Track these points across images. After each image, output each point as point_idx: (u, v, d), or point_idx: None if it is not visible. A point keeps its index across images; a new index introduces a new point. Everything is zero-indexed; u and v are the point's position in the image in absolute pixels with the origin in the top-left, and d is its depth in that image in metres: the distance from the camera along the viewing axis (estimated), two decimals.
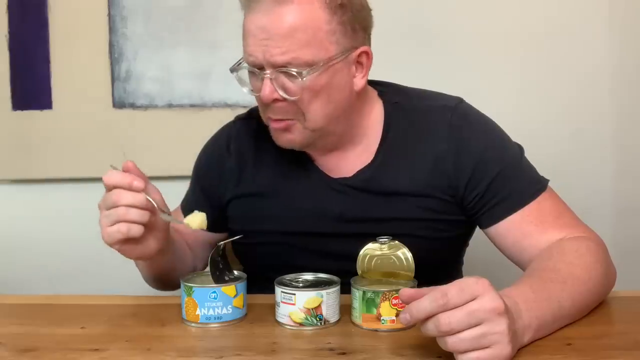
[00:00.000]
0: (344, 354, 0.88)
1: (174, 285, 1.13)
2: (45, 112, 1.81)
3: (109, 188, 0.96)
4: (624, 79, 1.82)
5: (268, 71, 1.04)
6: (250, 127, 1.25)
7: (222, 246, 1.03)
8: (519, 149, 1.17)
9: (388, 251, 1.02)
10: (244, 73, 1.11)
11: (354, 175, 1.16)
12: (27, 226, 1.88)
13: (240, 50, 1.09)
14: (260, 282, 1.08)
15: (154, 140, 1.82)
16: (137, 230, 0.96)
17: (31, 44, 1.79)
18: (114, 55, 1.81)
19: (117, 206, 0.95)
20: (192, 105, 1.82)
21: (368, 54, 1.10)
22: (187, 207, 1.27)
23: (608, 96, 1.83)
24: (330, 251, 1.15)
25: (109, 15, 1.80)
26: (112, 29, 1.80)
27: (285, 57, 1.03)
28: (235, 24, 1.79)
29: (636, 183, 1.84)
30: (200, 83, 1.81)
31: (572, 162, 1.80)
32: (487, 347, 0.79)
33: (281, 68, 1.04)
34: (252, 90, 1.11)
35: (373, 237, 1.03)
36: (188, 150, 1.81)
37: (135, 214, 0.95)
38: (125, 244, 0.98)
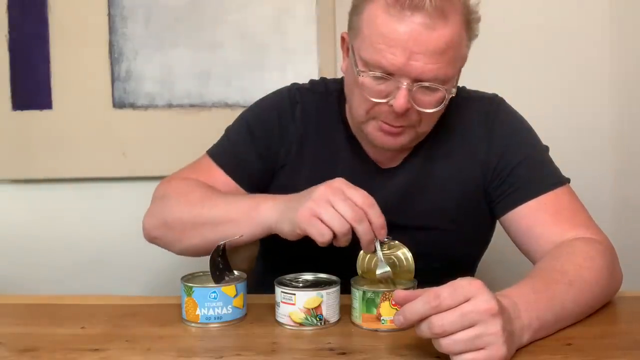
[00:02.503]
0: (344, 354, 0.88)
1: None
2: (45, 112, 1.81)
3: (358, 204, 0.96)
4: (624, 78, 1.82)
5: (405, 82, 1.03)
6: (314, 101, 1.24)
7: (222, 246, 1.03)
8: (545, 147, 1.20)
9: (388, 251, 1.02)
10: (366, 76, 1.07)
11: (400, 164, 1.19)
12: (27, 226, 1.88)
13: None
14: (282, 264, 1.08)
15: (154, 140, 1.82)
16: (328, 238, 0.95)
17: (31, 44, 1.79)
18: (114, 55, 1.80)
19: (348, 220, 0.94)
20: (192, 105, 1.82)
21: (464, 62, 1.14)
22: (235, 161, 1.22)
23: (608, 96, 1.83)
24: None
25: (109, 15, 1.79)
26: (112, 29, 1.80)
27: (436, 73, 1.03)
28: (236, 24, 1.81)
29: (636, 183, 1.84)
30: (200, 83, 1.81)
31: (572, 162, 1.80)
32: (481, 349, 0.79)
33: (424, 82, 1.04)
34: (367, 94, 1.07)
35: (412, 229, 1.06)
36: (188, 150, 1.81)
37: (346, 241, 0.96)
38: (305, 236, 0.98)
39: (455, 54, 1.05)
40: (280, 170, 1.22)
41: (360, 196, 0.97)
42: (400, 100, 1.03)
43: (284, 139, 1.21)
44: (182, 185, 1.18)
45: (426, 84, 1.04)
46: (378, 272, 0.97)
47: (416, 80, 1.04)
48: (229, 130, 1.28)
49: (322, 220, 0.95)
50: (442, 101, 1.07)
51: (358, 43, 1.07)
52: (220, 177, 1.21)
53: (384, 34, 1.02)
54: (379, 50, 1.03)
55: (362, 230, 0.95)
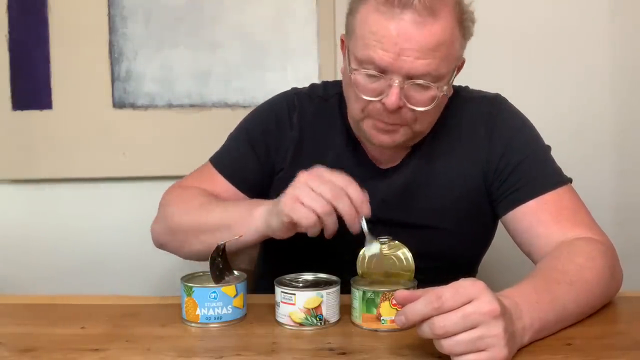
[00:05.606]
0: (344, 354, 0.88)
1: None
2: (45, 112, 1.81)
3: (336, 184, 0.96)
4: (624, 78, 1.82)
5: (397, 79, 1.04)
6: (312, 106, 1.25)
7: (221, 246, 1.03)
8: (547, 146, 1.20)
9: (388, 251, 1.01)
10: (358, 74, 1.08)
11: (399, 164, 1.19)
12: (27, 226, 1.88)
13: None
14: (282, 264, 1.08)
15: (154, 140, 1.82)
16: (315, 231, 0.97)
17: (31, 44, 1.79)
18: (114, 55, 1.80)
19: (327, 200, 0.95)
20: (192, 105, 1.82)
21: (463, 63, 1.14)
22: (234, 166, 1.25)
23: (608, 96, 1.83)
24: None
25: (109, 15, 1.79)
26: (112, 29, 1.80)
27: (427, 69, 1.04)
28: (236, 24, 1.81)
29: (636, 183, 1.84)
30: (200, 83, 1.81)
31: (572, 162, 1.79)
32: (483, 350, 0.79)
33: (415, 80, 1.04)
34: (360, 92, 1.08)
35: (412, 227, 1.05)
36: (188, 150, 1.82)
37: (332, 222, 0.96)
38: (294, 226, 0.99)
39: (448, 52, 1.06)
40: (278, 175, 1.24)
41: (338, 176, 0.98)
42: (391, 98, 1.04)
43: (280, 144, 1.24)
44: (184, 193, 1.23)
45: (418, 81, 1.05)
46: (367, 252, 0.97)
47: (407, 77, 1.04)
48: (229, 136, 1.30)
49: (303, 204, 0.96)
50: (434, 99, 1.07)
51: (352, 43, 1.09)
52: (221, 183, 1.24)
53: (374, 31, 1.04)
54: (370, 47, 1.05)
55: (343, 207, 0.96)
